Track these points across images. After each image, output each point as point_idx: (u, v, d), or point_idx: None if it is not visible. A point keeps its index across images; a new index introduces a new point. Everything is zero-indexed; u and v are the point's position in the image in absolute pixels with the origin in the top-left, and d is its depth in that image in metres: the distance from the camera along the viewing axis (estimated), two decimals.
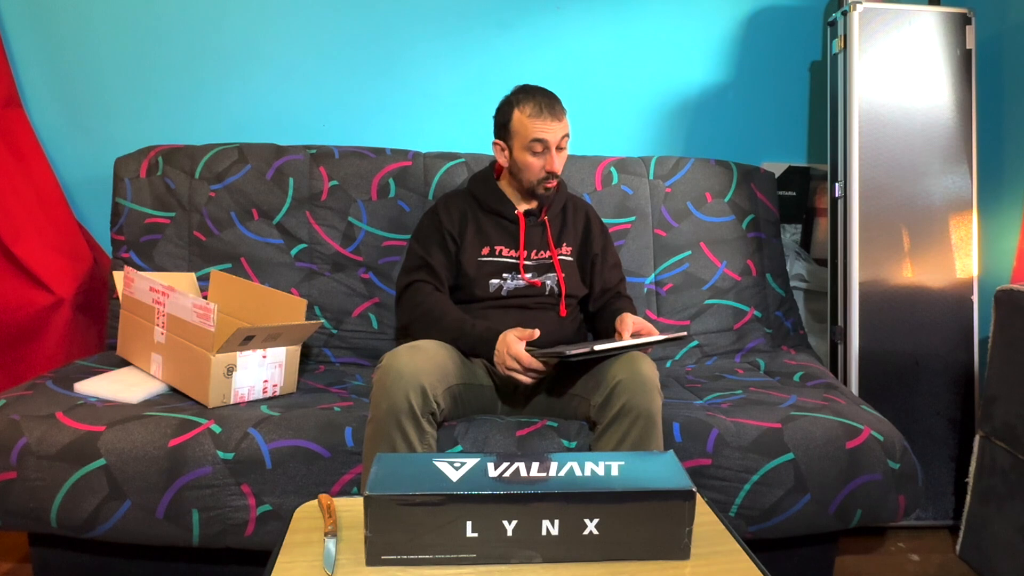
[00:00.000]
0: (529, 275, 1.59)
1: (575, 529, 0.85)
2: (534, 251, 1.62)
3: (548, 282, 1.61)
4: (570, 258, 1.66)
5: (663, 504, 0.85)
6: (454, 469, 0.89)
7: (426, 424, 1.27)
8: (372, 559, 0.84)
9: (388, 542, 0.83)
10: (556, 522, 0.84)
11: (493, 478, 0.86)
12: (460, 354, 1.46)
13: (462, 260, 1.58)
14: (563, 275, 1.61)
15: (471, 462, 0.90)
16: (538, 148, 1.53)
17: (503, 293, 1.59)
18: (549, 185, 1.57)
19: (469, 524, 0.84)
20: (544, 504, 0.84)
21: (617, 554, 0.86)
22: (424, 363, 1.30)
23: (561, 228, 1.67)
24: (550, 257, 1.62)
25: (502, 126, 1.58)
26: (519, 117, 1.53)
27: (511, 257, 1.60)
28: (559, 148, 1.55)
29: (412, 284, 1.56)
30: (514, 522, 0.84)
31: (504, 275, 1.59)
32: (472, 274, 1.58)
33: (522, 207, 1.63)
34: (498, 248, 1.60)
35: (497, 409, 1.52)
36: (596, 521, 0.85)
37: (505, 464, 0.90)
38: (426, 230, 1.63)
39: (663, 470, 0.90)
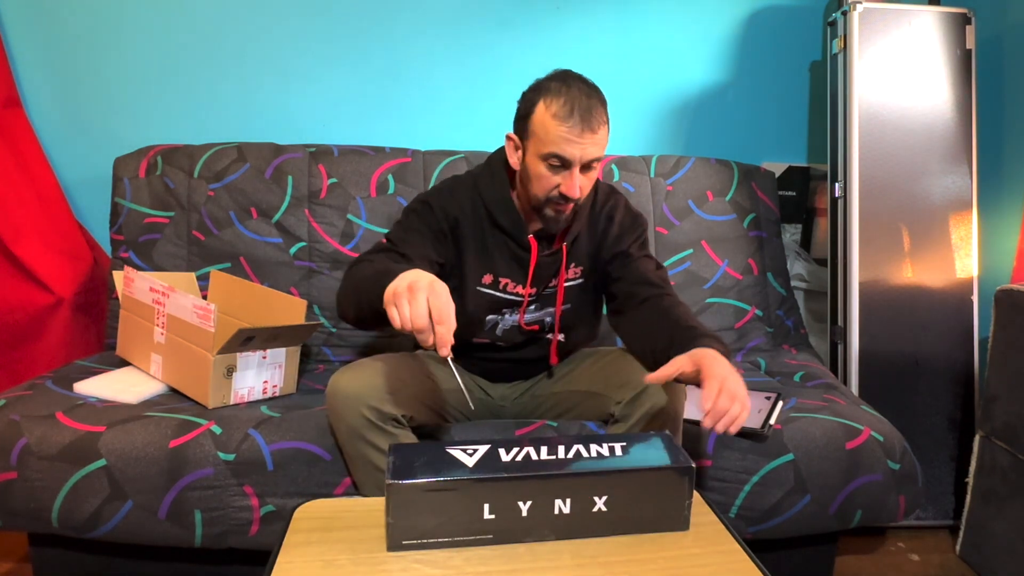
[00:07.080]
0: (528, 318, 1.34)
1: (586, 506, 0.90)
2: (541, 286, 1.33)
3: (548, 319, 1.36)
4: (579, 280, 1.35)
5: (665, 479, 0.92)
6: (468, 456, 0.92)
7: (393, 428, 1.18)
8: (393, 544, 0.87)
9: (409, 527, 0.87)
10: (568, 500, 0.89)
11: (506, 462, 0.91)
12: (417, 362, 1.30)
13: (456, 283, 1.29)
14: (562, 309, 1.34)
15: (483, 448, 0.94)
16: (555, 163, 1.16)
17: (497, 332, 1.34)
18: (559, 208, 1.21)
19: (487, 506, 0.88)
20: (557, 483, 0.89)
21: (624, 528, 0.92)
22: (370, 377, 1.18)
23: (572, 246, 1.33)
24: (555, 286, 1.33)
25: (521, 118, 1.21)
26: (542, 114, 1.16)
27: (515, 294, 1.31)
28: (587, 168, 1.17)
29: (359, 261, 1.18)
30: (528, 502, 0.89)
31: (504, 310, 1.32)
32: (467, 306, 1.29)
33: (531, 226, 1.30)
34: (503, 281, 1.30)
35: (489, 412, 1.45)
36: (604, 498, 0.90)
37: (516, 449, 0.94)
38: (413, 222, 1.27)
39: (662, 449, 0.97)
